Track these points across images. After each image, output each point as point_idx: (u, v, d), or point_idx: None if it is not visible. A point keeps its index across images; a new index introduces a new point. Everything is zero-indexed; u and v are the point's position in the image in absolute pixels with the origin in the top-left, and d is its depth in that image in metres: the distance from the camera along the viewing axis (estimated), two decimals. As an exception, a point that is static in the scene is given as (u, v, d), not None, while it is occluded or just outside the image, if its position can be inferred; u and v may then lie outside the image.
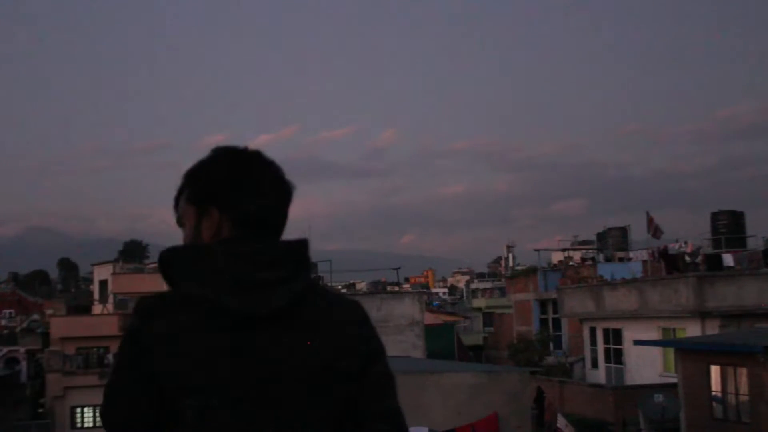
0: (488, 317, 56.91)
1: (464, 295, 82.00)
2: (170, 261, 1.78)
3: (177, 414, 1.71)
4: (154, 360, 1.71)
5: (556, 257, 50.60)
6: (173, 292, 1.78)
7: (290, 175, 1.94)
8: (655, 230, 35.82)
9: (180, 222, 1.91)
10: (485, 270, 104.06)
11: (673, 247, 33.10)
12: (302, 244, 1.84)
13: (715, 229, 37.04)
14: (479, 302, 61.80)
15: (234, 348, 1.71)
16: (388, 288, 51.29)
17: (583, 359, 35.70)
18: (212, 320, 1.71)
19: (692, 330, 26.45)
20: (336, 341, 1.80)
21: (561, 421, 21.32)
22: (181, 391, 1.70)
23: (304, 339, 1.77)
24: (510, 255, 77.73)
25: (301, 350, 1.76)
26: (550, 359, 38.13)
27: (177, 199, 1.93)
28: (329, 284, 40.42)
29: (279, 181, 1.88)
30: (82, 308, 50.04)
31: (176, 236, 2.00)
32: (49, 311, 51.15)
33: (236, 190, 1.82)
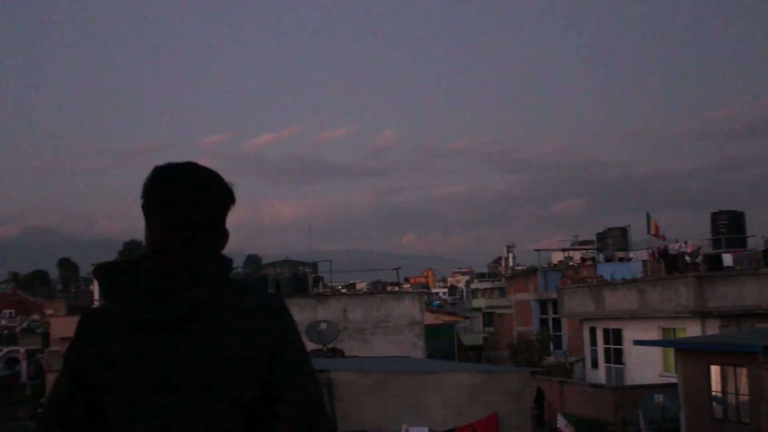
0: (488, 317, 56.91)
1: (464, 295, 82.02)
2: (97, 275, 2.09)
3: (103, 408, 2.04)
4: (82, 363, 2.07)
5: (556, 257, 50.68)
6: (101, 304, 2.10)
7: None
8: (656, 230, 35.85)
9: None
10: (485, 270, 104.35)
11: (673, 247, 33.12)
12: (211, 252, 2.10)
13: (715, 229, 37.05)
14: (479, 302, 61.72)
15: (149, 350, 2.00)
16: (388, 288, 51.17)
17: (583, 359, 35.72)
18: (125, 328, 2.03)
19: (692, 330, 26.47)
20: (243, 334, 2.03)
21: (561, 421, 21.35)
22: (103, 388, 2.03)
23: (211, 337, 2.01)
24: (510, 255, 77.98)
25: (209, 346, 2.00)
26: (550, 359, 38.14)
27: None
28: (329, 284, 40.38)
29: (206, 192, 2.12)
30: (82, 308, 49.96)
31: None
32: (49, 311, 51.16)
33: (156, 207, 2.12)
